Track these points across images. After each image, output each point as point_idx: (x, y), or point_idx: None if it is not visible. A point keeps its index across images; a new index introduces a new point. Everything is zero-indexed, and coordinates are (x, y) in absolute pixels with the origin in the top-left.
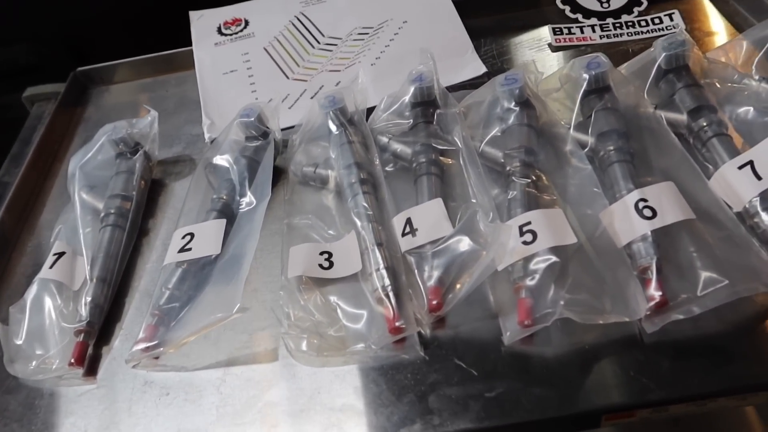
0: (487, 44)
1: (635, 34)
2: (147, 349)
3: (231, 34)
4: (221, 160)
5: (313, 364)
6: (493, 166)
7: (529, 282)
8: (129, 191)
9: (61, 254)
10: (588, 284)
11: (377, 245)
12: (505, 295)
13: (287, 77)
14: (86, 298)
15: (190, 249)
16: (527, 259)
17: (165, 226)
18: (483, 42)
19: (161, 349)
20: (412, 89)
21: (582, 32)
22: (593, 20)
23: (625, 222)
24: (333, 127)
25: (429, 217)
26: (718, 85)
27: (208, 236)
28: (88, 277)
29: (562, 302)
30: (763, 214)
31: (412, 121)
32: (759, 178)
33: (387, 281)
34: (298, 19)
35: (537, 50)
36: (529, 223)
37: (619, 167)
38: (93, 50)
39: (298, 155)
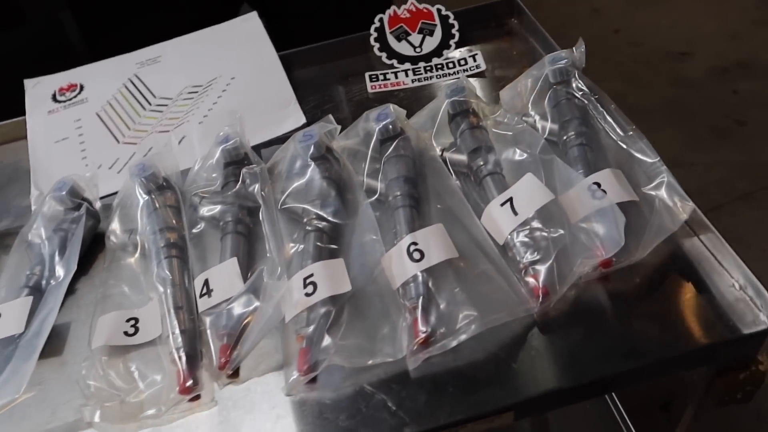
0: (312, 94)
1: (444, 76)
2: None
3: (65, 101)
4: (34, 235)
5: None
6: (296, 218)
7: (309, 331)
8: None
9: None
10: (361, 328)
11: (176, 308)
12: (291, 346)
13: (118, 141)
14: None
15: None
16: (309, 309)
17: None
18: (308, 92)
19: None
20: (219, 150)
21: (396, 77)
22: (407, 65)
23: (399, 265)
24: (142, 195)
25: (224, 277)
26: (494, 129)
27: (13, 315)
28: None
29: (332, 349)
30: (518, 246)
31: (222, 180)
32: (516, 213)
33: (179, 343)
34: (132, 82)
35: (359, 97)
36: (311, 275)
37: (402, 212)
38: None
39: (114, 222)
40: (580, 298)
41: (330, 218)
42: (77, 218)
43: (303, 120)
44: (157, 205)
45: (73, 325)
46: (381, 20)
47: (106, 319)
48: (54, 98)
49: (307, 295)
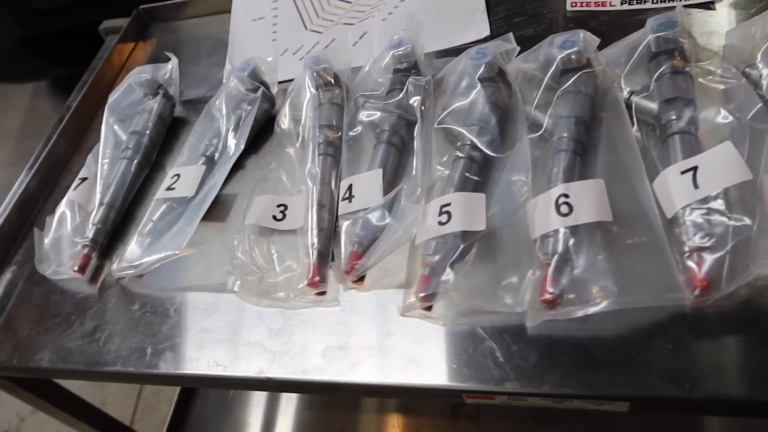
0: (504, 4)
1: (660, 1)
2: (124, 267)
3: None
4: (216, 109)
5: (248, 302)
6: (451, 139)
7: (434, 260)
8: (145, 129)
9: (84, 179)
10: (487, 271)
11: (319, 206)
12: (415, 269)
13: (305, 27)
14: (94, 219)
15: (174, 188)
16: (439, 238)
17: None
18: (500, 1)
19: (133, 267)
20: (389, 54)
21: None
22: None
23: (543, 215)
24: (310, 88)
25: (367, 185)
26: (700, 78)
27: (189, 179)
28: (97, 202)
29: (452, 284)
30: (687, 224)
31: (388, 86)
32: (696, 186)
33: (315, 239)
34: None
35: (554, 14)
36: (449, 204)
37: (564, 157)
38: None
39: (284, 109)
40: (751, 302)
41: (484, 148)
42: (253, 100)
43: (487, 32)
44: (322, 101)
45: (238, 198)
46: None
47: (261, 200)
48: None
49: (441, 224)
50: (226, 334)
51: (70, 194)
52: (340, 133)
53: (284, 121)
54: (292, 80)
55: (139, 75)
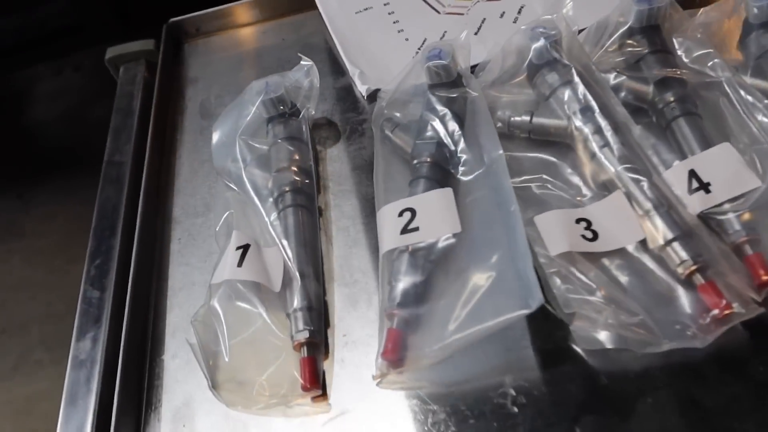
0: None
1: None
2: (395, 361)
3: None
4: (407, 115)
5: None
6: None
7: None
8: (304, 162)
9: (245, 247)
10: None
11: (659, 207)
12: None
13: (437, 12)
14: (298, 301)
15: (416, 229)
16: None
17: (340, 200)
18: None
19: (422, 358)
20: (635, 10)
21: None
22: None
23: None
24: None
25: (720, 167)
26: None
27: (437, 211)
28: (294, 274)
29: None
30: None
31: (641, 49)
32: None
33: (688, 253)
34: None
35: None
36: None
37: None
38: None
39: (501, 100)
40: None
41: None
42: (460, 93)
43: None
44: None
45: None
46: None
47: (548, 218)
48: None
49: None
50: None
51: (236, 273)
52: (618, 113)
53: (507, 114)
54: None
55: (267, 90)
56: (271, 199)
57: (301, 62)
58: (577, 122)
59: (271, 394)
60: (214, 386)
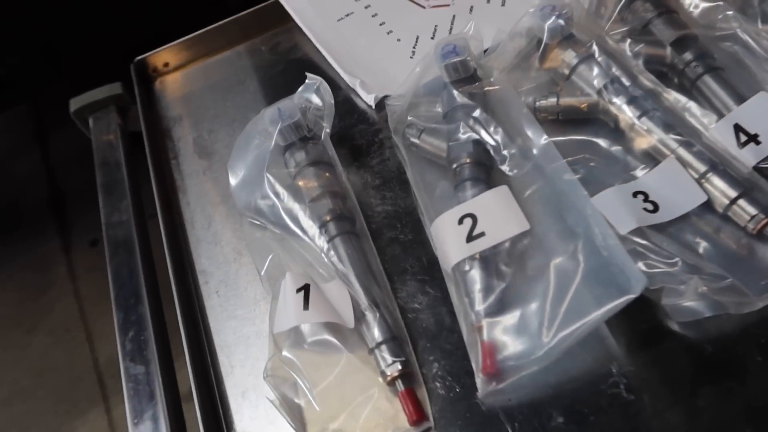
0: None
1: None
2: (497, 374)
3: None
4: (430, 118)
5: None
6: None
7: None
8: (337, 185)
9: (305, 288)
10: None
11: (716, 167)
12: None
13: (422, 6)
14: (379, 333)
15: (482, 234)
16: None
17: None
18: None
19: (526, 366)
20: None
21: None
22: None
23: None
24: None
25: (763, 116)
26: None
27: (499, 211)
28: (367, 305)
29: None
30: None
31: (646, 14)
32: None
33: (756, 208)
34: None
35: None
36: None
37: None
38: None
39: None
40: None
41: None
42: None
43: None
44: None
45: None
46: None
47: (608, 195)
48: None
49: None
50: None
51: (305, 317)
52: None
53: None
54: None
55: (282, 117)
56: (313, 232)
57: (307, 81)
58: (609, 95)
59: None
60: None
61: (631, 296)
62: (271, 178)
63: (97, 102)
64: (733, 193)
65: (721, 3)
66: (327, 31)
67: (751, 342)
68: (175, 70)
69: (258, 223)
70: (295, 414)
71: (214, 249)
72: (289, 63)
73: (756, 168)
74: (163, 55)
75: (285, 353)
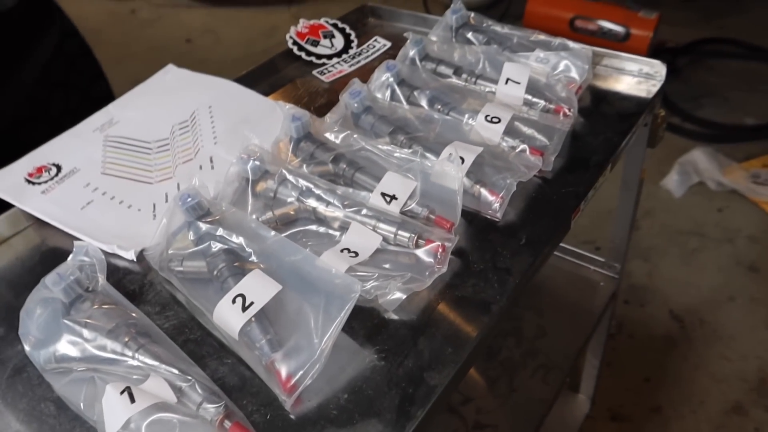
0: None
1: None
2: (295, 386)
3: (50, 179)
4: (186, 247)
5: None
6: None
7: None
8: (127, 314)
9: (127, 389)
10: None
11: (379, 220)
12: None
13: (151, 183)
14: (196, 396)
15: (252, 303)
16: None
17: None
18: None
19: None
20: (292, 127)
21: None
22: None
23: None
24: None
25: (392, 186)
26: None
27: (257, 284)
28: (182, 380)
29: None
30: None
31: (309, 149)
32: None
33: (409, 232)
34: (110, 141)
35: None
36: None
37: None
38: None
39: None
40: None
41: None
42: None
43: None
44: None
45: None
46: (291, 38)
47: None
48: (30, 182)
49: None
50: None
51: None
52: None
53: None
54: None
55: (59, 281)
56: (121, 349)
57: (75, 248)
58: (305, 200)
59: None
60: None
61: (355, 294)
62: (69, 323)
63: None
64: (393, 230)
65: (349, 131)
66: (73, 219)
67: (429, 306)
68: None
69: (61, 369)
70: None
71: None
72: (44, 254)
73: (401, 212)
74: None
75: None
